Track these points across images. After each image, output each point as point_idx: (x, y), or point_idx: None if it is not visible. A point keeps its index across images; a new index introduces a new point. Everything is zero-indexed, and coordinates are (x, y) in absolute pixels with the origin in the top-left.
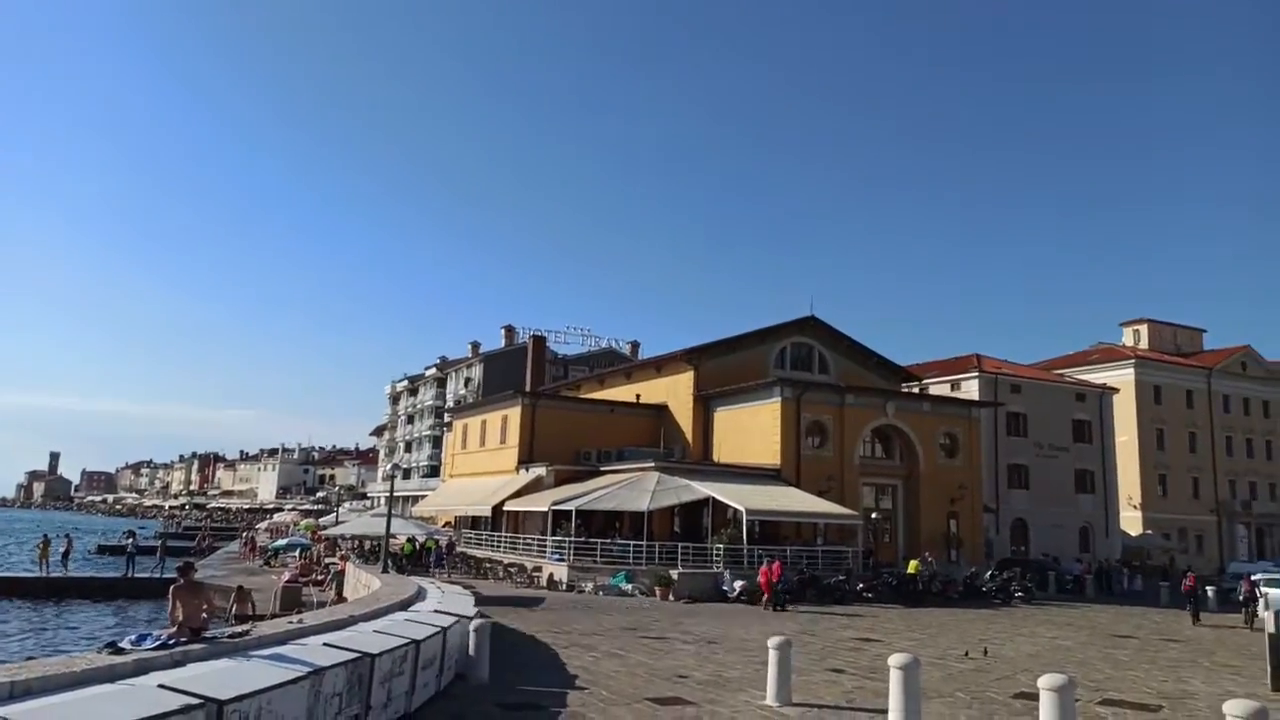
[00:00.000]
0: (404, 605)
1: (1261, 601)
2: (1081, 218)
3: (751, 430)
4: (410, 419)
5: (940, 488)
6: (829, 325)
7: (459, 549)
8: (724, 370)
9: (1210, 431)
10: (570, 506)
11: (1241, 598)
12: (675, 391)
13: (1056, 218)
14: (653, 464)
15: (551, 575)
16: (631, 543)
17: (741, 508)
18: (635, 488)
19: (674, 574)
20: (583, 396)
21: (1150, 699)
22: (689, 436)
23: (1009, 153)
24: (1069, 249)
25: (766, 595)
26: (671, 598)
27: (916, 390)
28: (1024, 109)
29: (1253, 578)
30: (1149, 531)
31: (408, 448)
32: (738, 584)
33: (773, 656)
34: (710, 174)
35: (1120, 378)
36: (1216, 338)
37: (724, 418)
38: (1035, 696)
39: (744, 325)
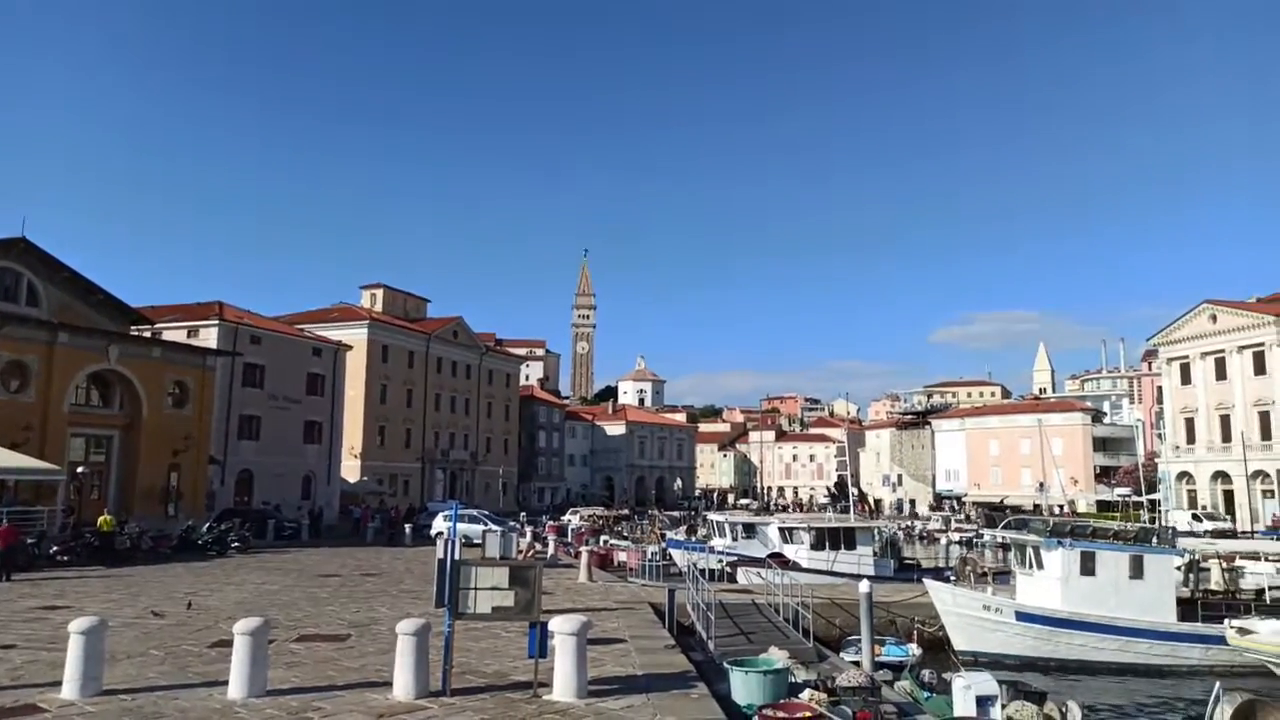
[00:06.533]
0: None
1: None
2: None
3: None
4: None
5: (164, 439)
6: (45, 251)
7: None
8: None
9: (425, 389)
10: None
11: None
12: None
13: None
14: None
15: None
16: None
17: None
18: None
19: None
20: None
21: (342, 630)
22: None
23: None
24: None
25: None
26: None
27: (149, 334)
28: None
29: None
30: (365, 478)
31: None
32: None
33: None
34: None
35: (355, 336)
36: (439, 307)
37: None
38: (232, 643)
39: None
